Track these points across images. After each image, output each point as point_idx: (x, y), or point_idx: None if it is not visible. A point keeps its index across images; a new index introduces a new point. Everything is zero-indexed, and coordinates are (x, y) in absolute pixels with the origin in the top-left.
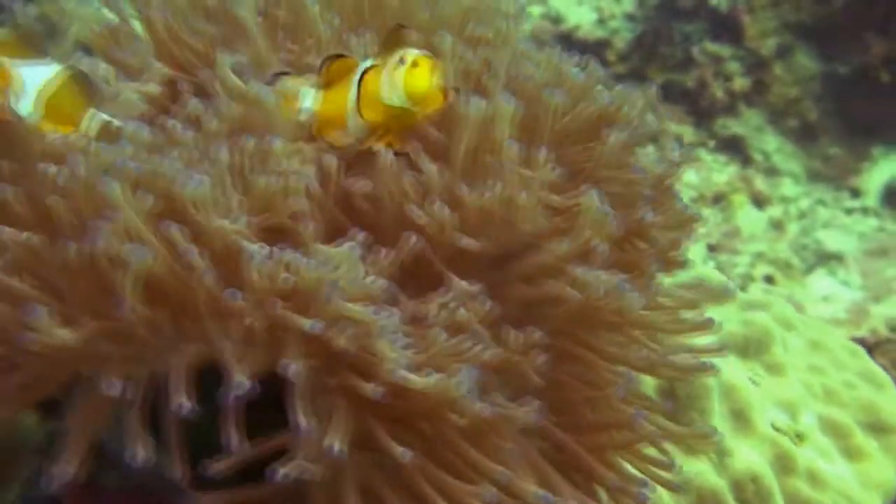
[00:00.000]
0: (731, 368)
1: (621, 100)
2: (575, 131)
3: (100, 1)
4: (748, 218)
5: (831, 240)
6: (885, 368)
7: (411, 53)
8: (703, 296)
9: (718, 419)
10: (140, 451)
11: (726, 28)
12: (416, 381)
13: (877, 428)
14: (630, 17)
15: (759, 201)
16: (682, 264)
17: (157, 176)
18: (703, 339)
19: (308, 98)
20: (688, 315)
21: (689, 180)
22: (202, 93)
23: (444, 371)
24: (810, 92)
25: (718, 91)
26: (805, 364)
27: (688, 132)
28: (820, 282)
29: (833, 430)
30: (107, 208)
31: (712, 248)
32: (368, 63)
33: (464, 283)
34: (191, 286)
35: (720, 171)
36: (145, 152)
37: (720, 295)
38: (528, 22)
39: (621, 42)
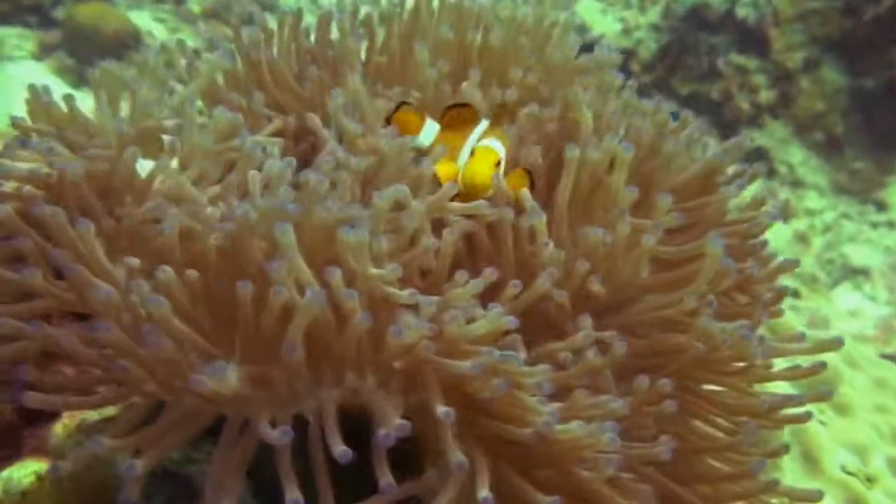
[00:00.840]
0: (800, 410)
1: (726, 154)
2: (683, 183)
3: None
4: (773, 231)
5: (857, 254)
6: None
7: (484, 144)
8: (816, 346)
9: (789, 462)
10: (294, 493)
11: (753, 40)
12: (565, 432)
13: None
14: (655, 28)
15: (785, 214)
16: (781, 315)
17: (318, 222)
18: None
19: (431, 133)
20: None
21: None
22: (303, 134)
23: (580, 418)
24: (836, 105)
25: (744, 103)
26: (871, 403)
27: (712, 144)
28: (846, 296)
29: (893, 464)
30: (278, 253)
31: None
32: (484, 125)
33: (590, 329)
34: (343, 331)
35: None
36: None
37: (834, 344)
38: None
39: (646, 52)
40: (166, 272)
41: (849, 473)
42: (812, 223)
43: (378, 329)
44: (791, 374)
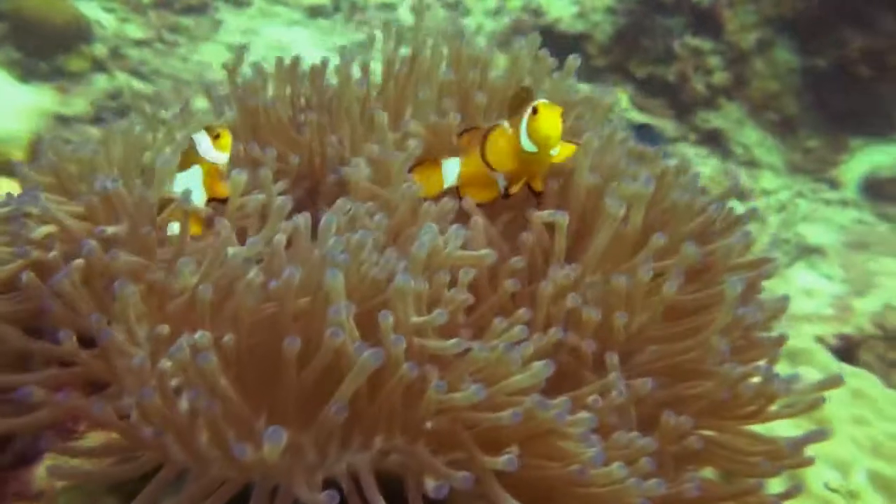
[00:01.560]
0: (783, 428)
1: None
2: (689, 232)
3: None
4: None
5: (812, 233)
6: (870, 365)
7: (539, 102)
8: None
9: (776, 481)
10: None
11: (707, 22)
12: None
13: None
14: (611, 11)
15: (741, 195)
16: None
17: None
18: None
19: (452, 170)
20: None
21: None
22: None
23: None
24: (789, 85)
25: (699, 85)
26: (849, 415)
27: (669, 126)
28: (802, 275)
29: (883, 485)
30: (330, 299)
31: None
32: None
33: (618, 370)
34: (382, 386)
35: (703, 165)
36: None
37: (834, 383)
38: (507, 15)
39: (602, 35)
40: (204, 336)
41: (832, 490)
42: (768, 203)
43: (414, 383)
44: (794, 412)
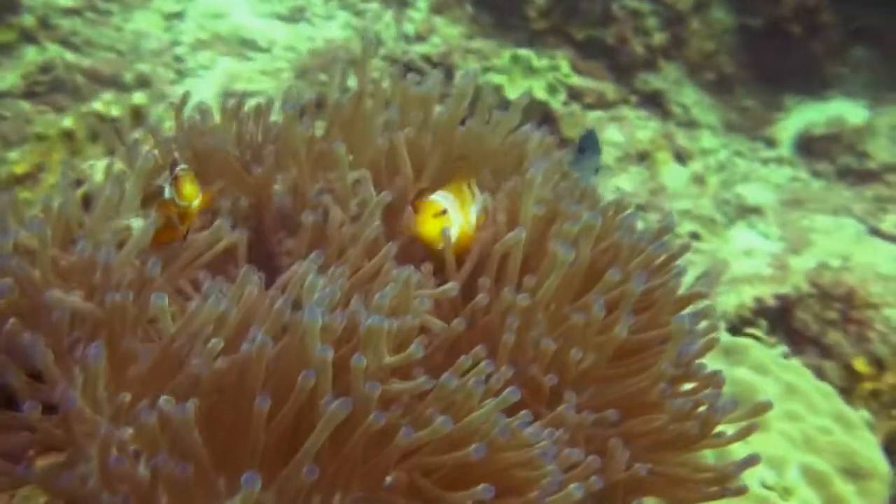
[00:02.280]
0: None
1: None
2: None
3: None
4: (672, 174)
5: (750, 193)
6: (806, 323)
7: (426, 200)
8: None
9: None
10: None
11: None
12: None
13: (853, 473)
14: None
15: (682, 157)
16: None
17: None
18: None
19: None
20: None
21: (615, 139)
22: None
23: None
24: (726, 45)
25: (638, 47)
26: (783, 411)
27: (609, 89)
28: (741, 235)
29: (815, 479)
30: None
31: (640, 208)
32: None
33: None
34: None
35: (643, 128)
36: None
37: (764, 408)
38: None
39: None
40: (170, 401)
41: (768, 488)
42: (707, 163)
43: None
44: (734, 439)
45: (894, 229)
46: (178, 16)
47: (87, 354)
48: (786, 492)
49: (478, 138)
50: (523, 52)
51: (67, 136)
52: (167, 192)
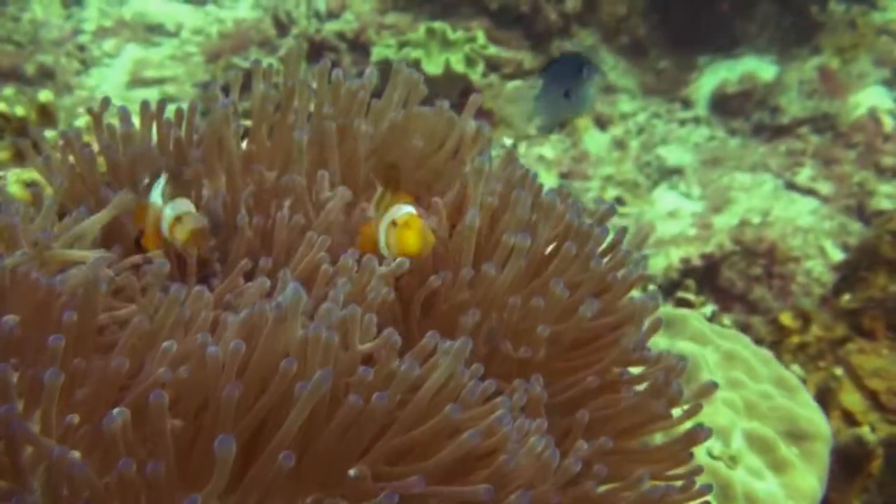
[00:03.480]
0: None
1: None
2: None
3: None
4: (594, 141)
5: (670, 154)
6: (732, 281)
7: (402, 214)
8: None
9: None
10: None
11: None
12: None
13: (796, 436)
14: None
15: (602, 122)
16: None
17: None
18: None
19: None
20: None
21: None
22: None
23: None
24: (637, 8)
25: (552, 14)
26: (724, 379)
27: (527, 57)
28: (664, 197)
29: (759, 445)
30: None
31: (564, 176)
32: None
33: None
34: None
35: None
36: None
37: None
38: None
39: None
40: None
41: (715, 458)
42: (627, 127)
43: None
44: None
45: (809, 182)
46: (78, 2)
47: (45, 375)
48: (732, 460)
49: (404, 132)
50: (438, 24)
51: None
52: (164, 222)
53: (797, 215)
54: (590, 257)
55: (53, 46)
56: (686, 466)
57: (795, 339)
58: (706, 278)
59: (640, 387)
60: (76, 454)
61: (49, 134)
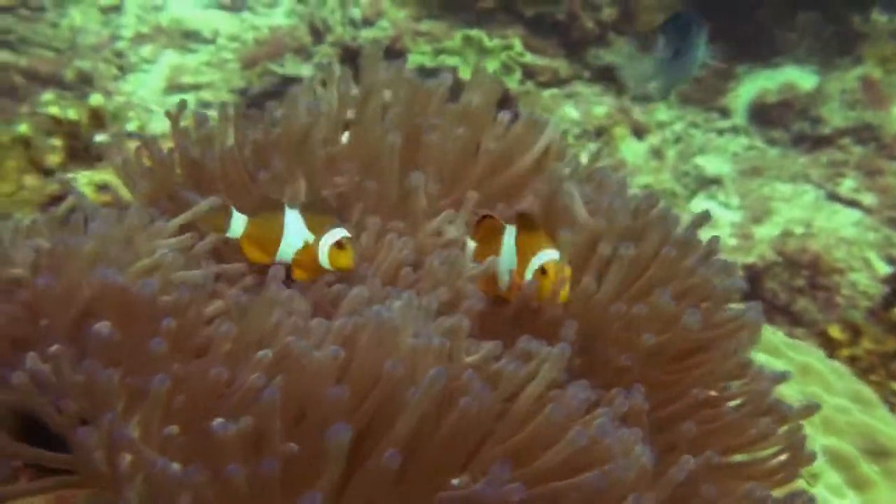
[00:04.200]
0: None
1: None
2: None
3: None
4: (630, 150)
5: (708, 164)
6: (775, 292)
7: (548, 261)
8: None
9: None
10: None
11: None
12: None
13: (876, 453)
14: None
15: (639, 131)
16: None
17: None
18: None
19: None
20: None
21: (571, 116)
22: None
23: None
24: None
25: (588, 22)
26: (800, 393)
27: (563, 66)
28: (702, 206)
29: (839, 461)
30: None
31: None
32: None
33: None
34: None
35: (598, 104)
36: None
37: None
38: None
39: None
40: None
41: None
42: (664, 136)
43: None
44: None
45: (852, 193)
46: (116, 9)
47: (152, 382)
48: (812, 477)
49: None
50: (475, 32)
51: (24, 143)
52: (321, 254)
53: (840, 227)
54: (693, 266)
55: (92, 52)
56: (788, 487)
57: (845, 353)
58: (748, 289)
59: (734, 402)
60: (176, 466)
61: (98, 138)
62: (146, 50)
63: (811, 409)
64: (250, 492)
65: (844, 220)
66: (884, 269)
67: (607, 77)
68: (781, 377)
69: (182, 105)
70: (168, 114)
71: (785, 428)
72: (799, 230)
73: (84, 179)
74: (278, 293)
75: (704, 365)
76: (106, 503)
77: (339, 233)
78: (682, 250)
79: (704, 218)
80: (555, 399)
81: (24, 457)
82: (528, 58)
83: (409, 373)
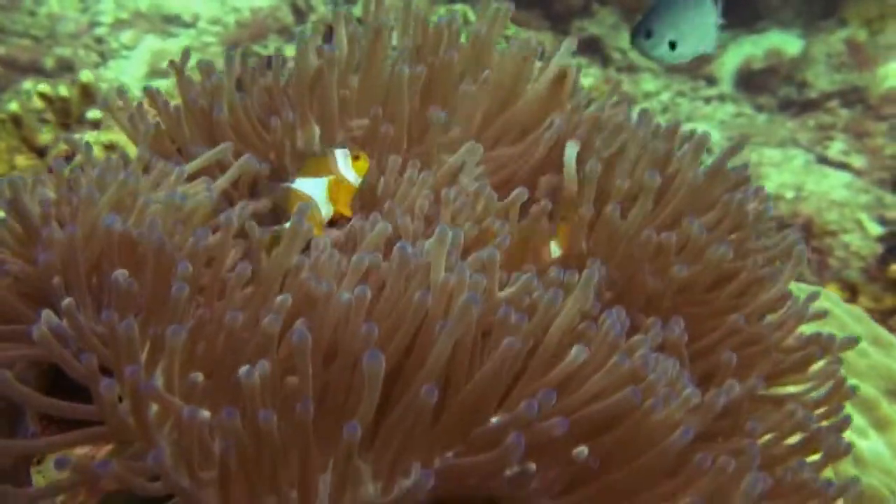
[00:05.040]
0: None
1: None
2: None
3: None
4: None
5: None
6: None
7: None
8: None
9: None
10: None
11: None
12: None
13: None
14: None
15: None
16: None
17: None
18: None
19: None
20: None
21: None
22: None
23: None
24: None
25: None
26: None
27: (547, 38)
28: None
29: (861, 403)
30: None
31: None
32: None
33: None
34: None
35: (585, 75)
36: None
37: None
38: None
39: None
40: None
41: None
42: (651, 106)
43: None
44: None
45: (841, 156)
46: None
47: (168, 332)
48: None
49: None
50: (458, 6)
51: (14, 121)
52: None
53: (831, 189)
54: (726, 194)
55: (71, 39)
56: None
57: None
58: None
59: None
60: (206, 413)
61: (90, 114)
62: (126, 35)
63: (851, 341)
64: (284, 435)
65: (835, 183)
66: (876, 229)
67: (593, 48)
68: (822, 314)
69: (186, 55)
70: (172, 63)
71: (822, 363)
72: (790, 194)
73: (90, 138)
74: (299, 226)
75: (741, 296)
76: (137, 452)
77: (342, 152)
78: (712, 179)
79: (738, 147)
80: (587, 330)
81: (53, 409)
82: (513, 30)
83: (443, 308)
